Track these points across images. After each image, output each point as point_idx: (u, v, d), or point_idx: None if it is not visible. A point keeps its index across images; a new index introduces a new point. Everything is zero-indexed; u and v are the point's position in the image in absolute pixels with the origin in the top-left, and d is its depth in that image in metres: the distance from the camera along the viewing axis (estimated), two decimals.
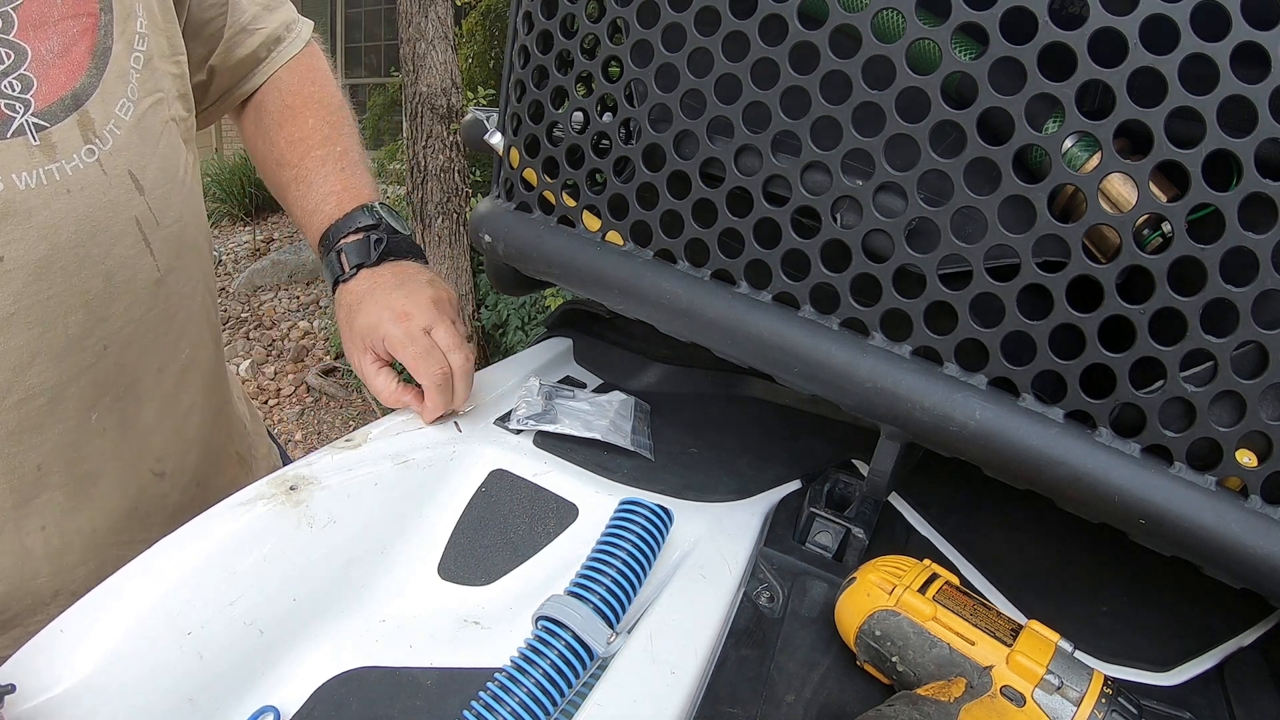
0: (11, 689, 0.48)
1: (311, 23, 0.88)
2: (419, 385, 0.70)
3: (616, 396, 0.78)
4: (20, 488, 0.63)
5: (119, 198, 0.64)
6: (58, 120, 0.60)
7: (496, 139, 0.68)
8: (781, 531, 0.65)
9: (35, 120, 0.59)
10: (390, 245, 0.74)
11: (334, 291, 0.75)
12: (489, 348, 3.78)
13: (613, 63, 0.59)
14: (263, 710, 0.50)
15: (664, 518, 0.59)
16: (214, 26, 0.77)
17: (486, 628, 0.57)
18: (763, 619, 0.56)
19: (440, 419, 0.69)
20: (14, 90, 0.58)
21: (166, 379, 0.73)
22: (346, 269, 0.73)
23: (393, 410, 0.71)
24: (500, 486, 0.65)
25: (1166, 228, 0.45)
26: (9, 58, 0.58)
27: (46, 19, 0.59)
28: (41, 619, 0.65)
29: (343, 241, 0.74)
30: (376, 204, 0.77)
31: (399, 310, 0.68)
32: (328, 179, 0.77)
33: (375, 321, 0.68)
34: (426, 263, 0.77)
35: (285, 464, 0.99)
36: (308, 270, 5.13)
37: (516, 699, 0.48)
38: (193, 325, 0.76)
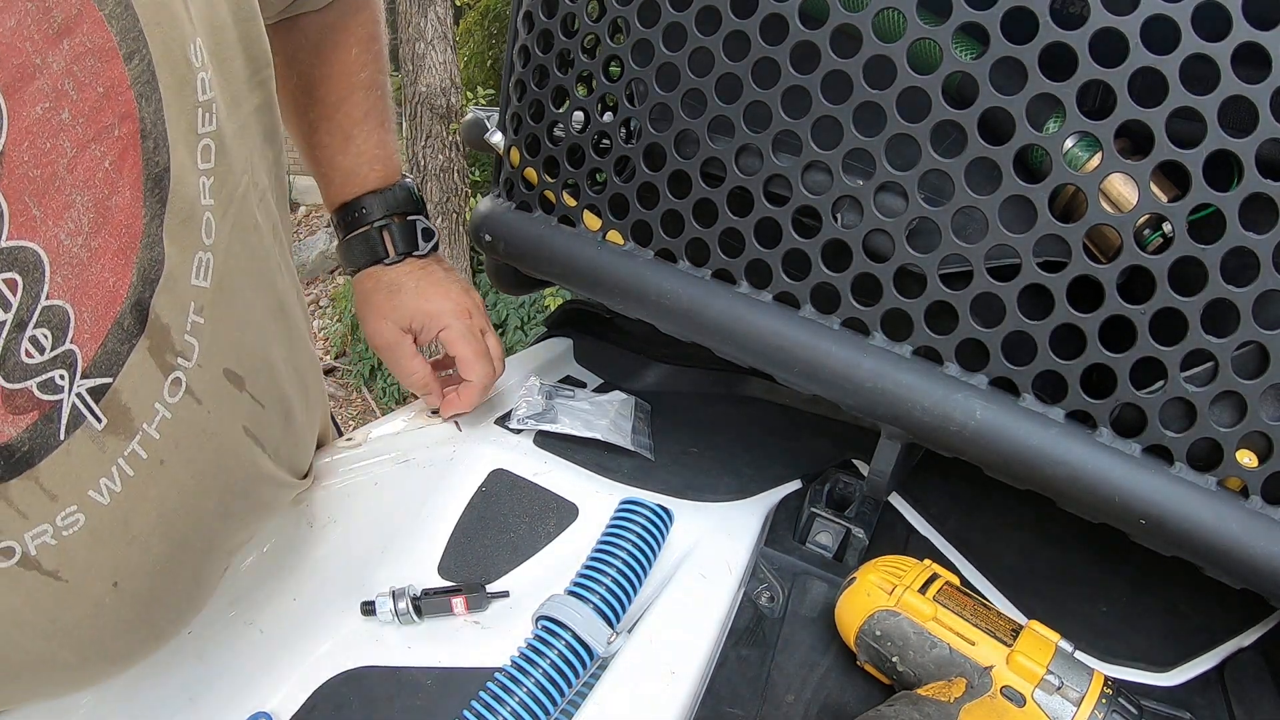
0: (506, 594, 0.51)
1: None
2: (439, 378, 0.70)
3: (617, 396, 0.78)
4: None
5: (223, 421, 0.45)
6: (119, 361, 0.38)
7: (497, 138, 0.68)
8: (782, 531, 0.65)
9: (90, 383, 0.37)
10: (435, 242, 0.72)
11: (362, 267, 0.70)
12: None
13: (613, 62, 0.59)
14: (256, 716, 0.50)
15: (664, 518, 0.59)
16: None
17: (486, 628, 0.57)
18: (763, 619, 0.56)
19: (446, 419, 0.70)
20: (43, 346, 0.34)
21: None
22: (393, 253, 0.69)
23: (392, 410, 0.71)
24: (500, 486, 0.65)
25: (1167, 228, 0.45)
26: (13, 289, 0.33)
27: (54, 166, 0.33)
28: None
29: (390, 220, 0.69)
30: (412, 185, 0.73)
31: (461, 305, 0.69)
32: (369, 137, 0.70)
33: (436, 310, 0.67)
34: None
35: None
36: (307, 270, 5.12)
37: (517, 699, 0.48)
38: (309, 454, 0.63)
